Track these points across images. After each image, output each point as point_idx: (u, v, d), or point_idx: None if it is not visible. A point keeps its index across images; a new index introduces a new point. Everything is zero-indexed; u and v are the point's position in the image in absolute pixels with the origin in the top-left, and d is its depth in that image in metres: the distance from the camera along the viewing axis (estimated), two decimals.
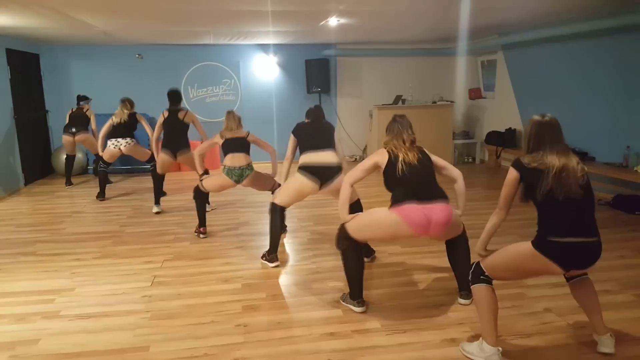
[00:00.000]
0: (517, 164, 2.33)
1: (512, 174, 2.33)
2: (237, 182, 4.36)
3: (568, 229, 2.20)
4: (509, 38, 7.09)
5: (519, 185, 2.33)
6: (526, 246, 2.28)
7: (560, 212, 2.21)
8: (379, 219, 2.83)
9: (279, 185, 4.50)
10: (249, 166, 4.37)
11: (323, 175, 3.63)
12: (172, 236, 4.62)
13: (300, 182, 3.66)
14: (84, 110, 6.82)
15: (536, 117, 2.34)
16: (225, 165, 4.33)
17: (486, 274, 2.42)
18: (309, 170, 3.64)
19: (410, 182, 2.77)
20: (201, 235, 4.55)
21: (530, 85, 7.13)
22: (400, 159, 2.81)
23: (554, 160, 2.20)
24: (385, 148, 2.94)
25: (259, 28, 6.42)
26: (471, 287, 2.48)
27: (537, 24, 6.34)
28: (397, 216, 2.71)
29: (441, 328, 2.81)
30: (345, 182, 2.97)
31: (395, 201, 2.76)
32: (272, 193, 4.55)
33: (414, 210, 2.69)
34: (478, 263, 2.47)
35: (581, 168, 2.23)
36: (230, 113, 4.46)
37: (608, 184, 5.53)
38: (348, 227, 2.94)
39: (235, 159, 4.30)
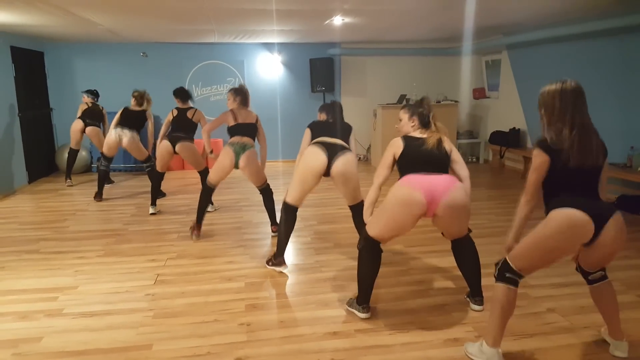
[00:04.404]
0: (544, 146, 2.16)
1: (542, 157, 2.16)
2: (237, 156, 4.21)
3: (575, 202, 2.14)
4: (513, 38, 7.06)
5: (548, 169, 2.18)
6: (552, 218, 2.14)
7: (569, 186, 2.17)
8: (386, 201, 2.79)
9: (268, 184, 4.44)
10: (251, 144, 4.33)
11: (331, 149, 3.46)
12: (176, 235, 4.63)
13: (309, 156, 3.48)
14: (100, 108, 6.79)
15: (558, 85, 2.20)
16: (230, 142, 4.28)
17: (514, 269, 2.27)
18: (317, 143, 3.51)
19: (421, 168, 2.78)
20: (193, 237, 4.44)
21: (535, 85, 6.99)
22: (422, 143, 2.86)
23: (570, 135, 2.13)
24: (401, 136, 2.94)
25: (264, 27, 6.41)
26: (495, 283, 2.36)
27: (542, 24, 6.31)
28: (401, 186, 2.73)
29: (444, 328, 2.80)
30: (374, 184, 2.94)
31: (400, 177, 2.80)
32: (260, 192, 4.46)
33: (418, 177, 2.73)
34: (505, 259, 2.33)
35: (598, 142, 2.20)
36: (240, 89, 4.36)
37: (612, 184, 5.50)
38: (367, 225, 2.90)
39: (241, 139, 4.27)
